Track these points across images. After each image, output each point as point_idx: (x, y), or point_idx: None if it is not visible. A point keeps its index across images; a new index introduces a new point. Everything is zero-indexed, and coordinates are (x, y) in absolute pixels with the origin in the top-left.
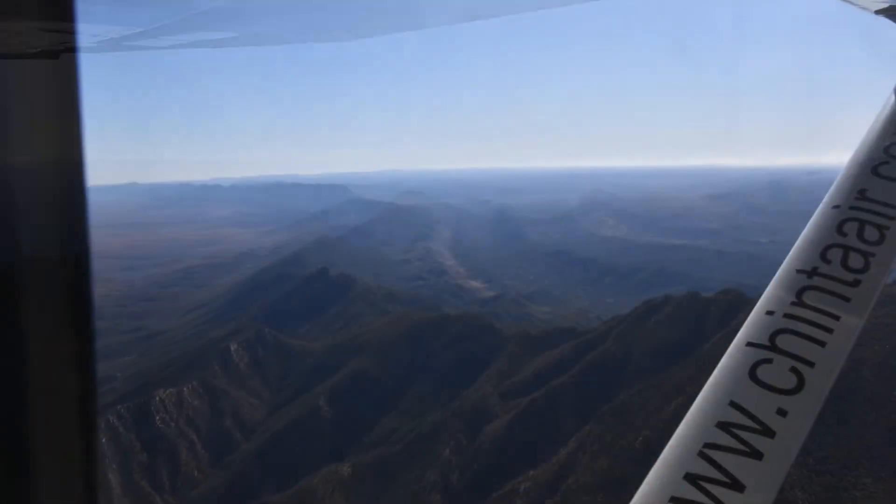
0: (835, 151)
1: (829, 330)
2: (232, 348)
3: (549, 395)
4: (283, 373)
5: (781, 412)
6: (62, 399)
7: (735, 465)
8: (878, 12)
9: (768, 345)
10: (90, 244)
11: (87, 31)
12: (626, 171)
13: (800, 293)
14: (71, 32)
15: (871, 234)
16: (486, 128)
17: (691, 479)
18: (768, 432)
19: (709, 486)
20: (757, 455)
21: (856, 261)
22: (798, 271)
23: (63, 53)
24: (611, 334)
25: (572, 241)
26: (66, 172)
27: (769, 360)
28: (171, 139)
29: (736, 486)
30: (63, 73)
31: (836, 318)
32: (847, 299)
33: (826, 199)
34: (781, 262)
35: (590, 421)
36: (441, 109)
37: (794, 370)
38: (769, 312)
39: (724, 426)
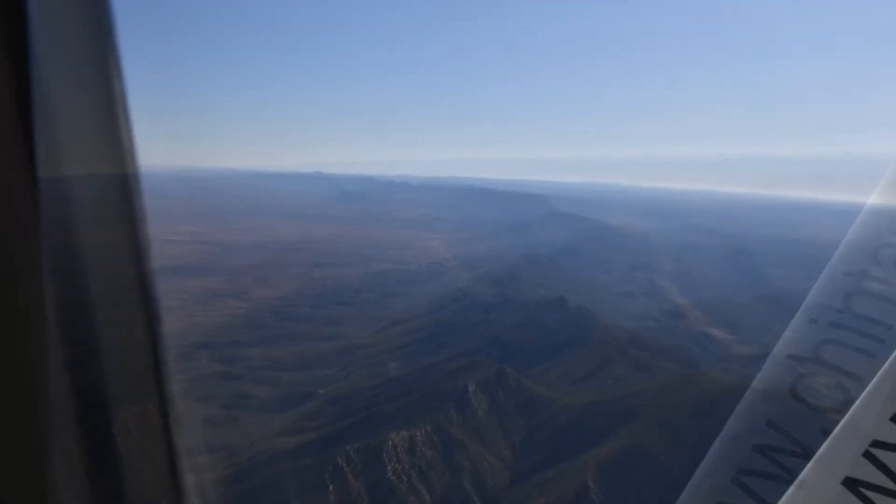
0: None
1: (880, 340)
2: (470, 389)
3: None
4: (528, 428)
5: (826, 433)
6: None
7: (774, 493)
8: None
9: (811, 357)
10: (147, 243)
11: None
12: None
13: (847, 298)
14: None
15: None
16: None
17: None
18: (811, 456)
19: None
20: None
21: None
22: (845, 274)
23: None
24: None
25: None
26: (117, 180)
27: (812, 375)
28: (357, 129)
29: None
30: (109, 74)
31: (889, 327)
32: None
33: (877, 190)
34: None
35: None
36: (662, 115)
37: (840, 386)
38: (812, 321)
39: (761, 449)
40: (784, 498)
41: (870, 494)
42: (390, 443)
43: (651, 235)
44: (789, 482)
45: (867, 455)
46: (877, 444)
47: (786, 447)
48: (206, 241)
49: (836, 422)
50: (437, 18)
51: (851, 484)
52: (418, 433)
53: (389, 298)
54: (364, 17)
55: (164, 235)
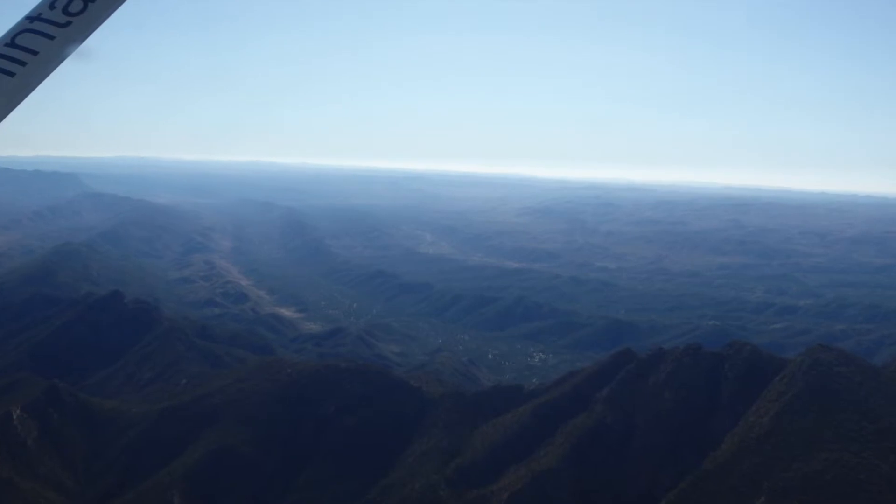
0: None
1: None
2: (14, 416)
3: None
4: (94, 450)
5: None
6: None
7: None
8: None
9: None
10: None
11: None
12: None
13: None
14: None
15: None
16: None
17: None
18: None
19: None
20: None
21: None
22: None
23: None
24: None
25: (390, 260)
26: None
27: None
28: None
29: None
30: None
31: None
32: None
33: None
34: None
35: None
36: (193, 89)
37: None
38: None
39: None
40: None
41: None
42: None
43: (203, 213)
44: None
45: None
46: None
47: None
48: None
49: None
50: None
51: None
52: None
53: None
54: None
55: None
